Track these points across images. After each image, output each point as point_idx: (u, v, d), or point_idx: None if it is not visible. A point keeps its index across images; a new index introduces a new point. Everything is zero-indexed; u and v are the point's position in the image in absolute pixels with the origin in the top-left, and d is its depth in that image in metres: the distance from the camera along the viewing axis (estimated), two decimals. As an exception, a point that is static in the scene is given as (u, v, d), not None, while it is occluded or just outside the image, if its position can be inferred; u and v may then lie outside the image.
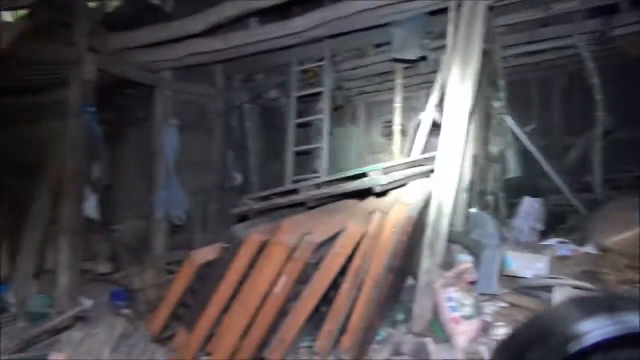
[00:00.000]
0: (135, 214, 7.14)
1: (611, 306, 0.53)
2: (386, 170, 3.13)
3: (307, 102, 7.34)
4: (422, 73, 6.19)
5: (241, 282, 3.52)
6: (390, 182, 3.09)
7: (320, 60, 5.53)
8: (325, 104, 5.44)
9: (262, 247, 3.34)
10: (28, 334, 4.10)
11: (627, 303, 0.54)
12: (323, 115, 5.47)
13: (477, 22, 3.13)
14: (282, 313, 3.42)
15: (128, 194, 7.28)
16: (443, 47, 4.91)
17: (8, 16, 5.97)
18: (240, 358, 3.51)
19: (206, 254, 3.71)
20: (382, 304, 3.40)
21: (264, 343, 3.47)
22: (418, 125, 4.98)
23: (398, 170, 3.35)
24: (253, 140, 6.87)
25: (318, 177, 5.38)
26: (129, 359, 3.67)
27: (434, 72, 5.85)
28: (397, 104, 6.02)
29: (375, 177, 3.06)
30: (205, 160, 6.51)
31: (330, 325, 3.44)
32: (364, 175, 3.15)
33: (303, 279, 3.28)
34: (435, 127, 5.60)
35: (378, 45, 5.55)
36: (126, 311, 5.14)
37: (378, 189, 3.07)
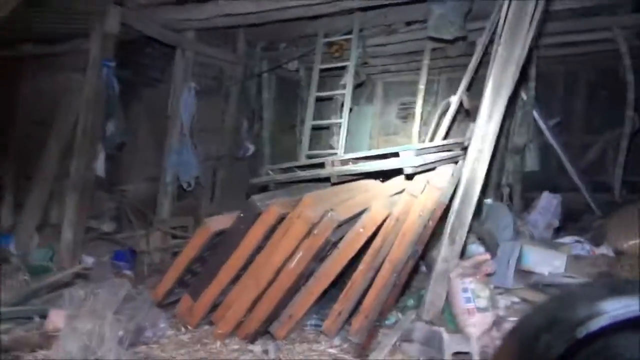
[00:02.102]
0: (144, 176, 7.04)
1: (620, 289, 0.47)
2: (419, 152, 2.99)
3: (326, 77, 7.17)
4: (450, 56, 5.99)
5: (254, 254, 3.43)
6: (422, 165, 2.96)
7: (348, 33, 5.35)
8: (349, 79, 5.28)
9: (280, 220, 3.23)
10: (28, 288, 4.03)
11: (636, 286, 0.49)
12: (345, 90, 5.31)
13: (530, 4, 2.95)
14: (294, 289, 3.33)
15: (138, 154, 7.16)
16: (480, 29, 4.74)
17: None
18: (245, 331, 3.44)
19: (221, 222, 3.60)
20: (397, 289, 3.32)
21: (271, 318, 3.39)
22: (445, 109, 4.82)
23: (430, 153, 3.22)
24: (269, 110, 6.72)
25: (334, 153, 5.25)
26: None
27: (464, 55, 5.67)
28: (422, 86, 5.86)
29: (409, 158, 2.92)
30: (219, 127, 6.36)
31: (341, 306, 3.36)
32: (395, 154, 3.02)
33: (320, 257, 3.19)
34: (459, 112, 5.46)
35: (409, 23, 5.36)
36: (128, 272, 5.07)
37: (410, 171, 2.94)
